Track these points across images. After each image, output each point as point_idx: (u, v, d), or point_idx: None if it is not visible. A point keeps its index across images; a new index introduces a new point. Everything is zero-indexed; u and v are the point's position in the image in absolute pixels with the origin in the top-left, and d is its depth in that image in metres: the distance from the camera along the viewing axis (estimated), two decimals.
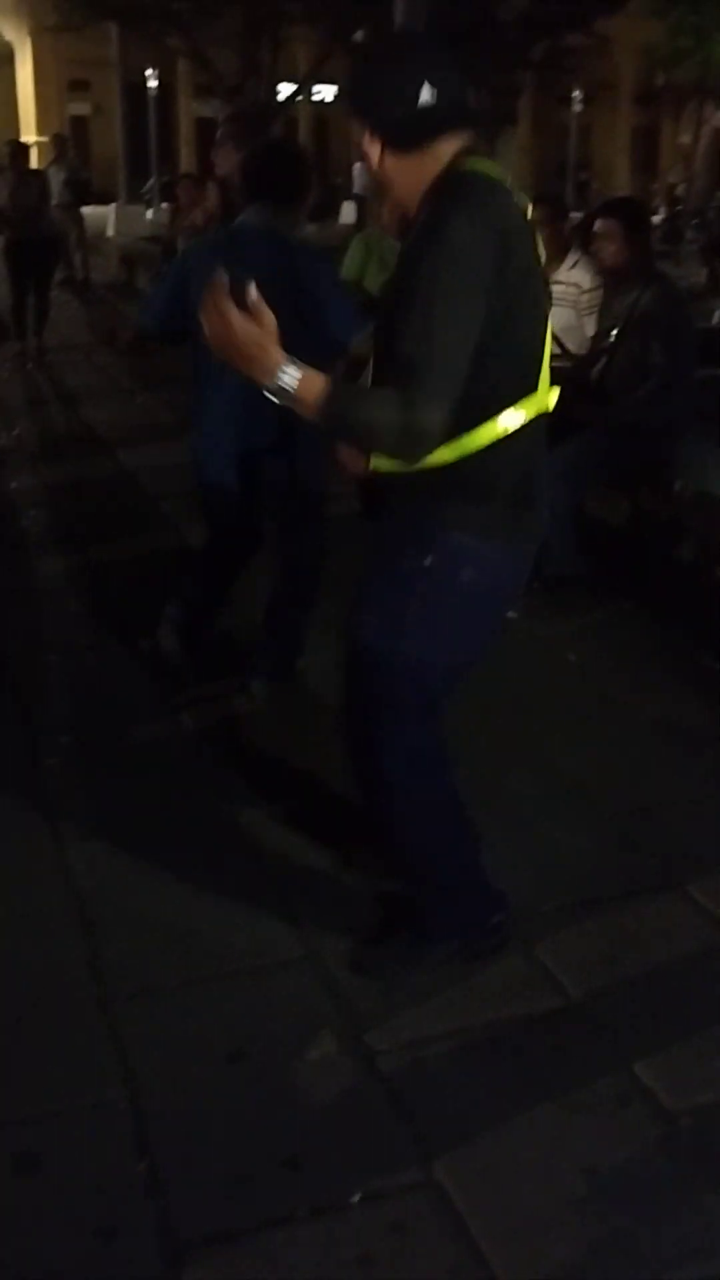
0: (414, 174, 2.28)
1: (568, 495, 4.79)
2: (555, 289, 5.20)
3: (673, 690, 4.00)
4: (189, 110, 34.26)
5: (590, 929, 2.78)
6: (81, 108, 34.45)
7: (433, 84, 2.23)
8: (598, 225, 4.97)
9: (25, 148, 11.06)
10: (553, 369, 5.03)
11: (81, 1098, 2.27)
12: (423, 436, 2.14)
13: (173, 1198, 2.06)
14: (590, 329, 5.07)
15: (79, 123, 33.49)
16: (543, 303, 2.37)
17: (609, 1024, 2.49)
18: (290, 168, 3.74)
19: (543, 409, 2.35)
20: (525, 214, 2.31)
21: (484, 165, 2.27)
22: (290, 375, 2.12)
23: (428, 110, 2.23)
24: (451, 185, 2.23)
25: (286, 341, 2.15)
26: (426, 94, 2.22)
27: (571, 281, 5.15)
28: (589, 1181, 2.12)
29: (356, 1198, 2.07)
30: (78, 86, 33.76)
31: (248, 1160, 2.14)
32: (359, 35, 15.34)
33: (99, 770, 3.43)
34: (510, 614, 4.48)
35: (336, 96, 29.34)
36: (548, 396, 2.36)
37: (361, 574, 2.48)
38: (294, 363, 2.13)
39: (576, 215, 7.75)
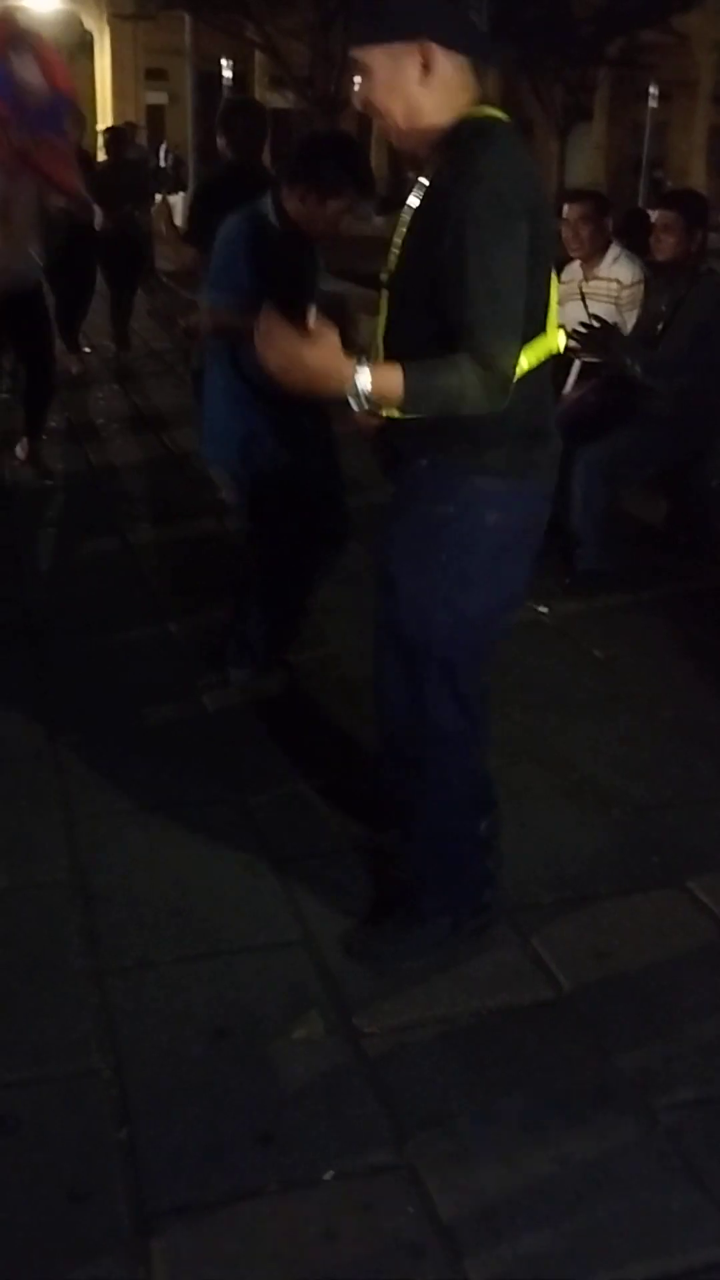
0: (447, 102, 2.23)
1: (604, 492, 4.78)
2: (593, 285, 5.17)
3: (696, 690, 3.97)
4: (263, 101, 34.32)
5: (587, 923, 2.78)
6: (158, 96, 34.71)
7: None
8: (656, 217, 4.93)
9: (122, 133, 10.80)
10: (589, 363, 5.02)
11: (67, 1065, 2.31)
12: (506, 384, 2.16)
13: (147, 1166, 2.10)
14: (630, 325, 5.03)
15: (155, 111, 33.78)
16: (553, 245, 2.38)
17: (596, 1017, 2.49)
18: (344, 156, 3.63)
19: (551, 350, 2.35)
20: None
21: (496, 111, 2.27)
22: (364, 380, 2.15)
23: (472, 24, 2.23)
24: (476, 129, 2.22)
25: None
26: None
27: (612, 277, 5.10)
28: (561, 1171, 2.12)
29: (329, 1175, 2.10)
30: (155, 75, 34.01)
31: (224, 1133, 2.17)
32: None
33: (112, 748, 3.48)
34: (541, 609, 4.53)
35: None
36: (555, 338, 2.37)
37: (384, 532, 2.47)
38: (362, 367, 2.16)
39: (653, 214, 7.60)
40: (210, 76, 26.56)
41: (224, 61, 27.44)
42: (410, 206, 2.30)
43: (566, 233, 5.11)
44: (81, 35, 34.82)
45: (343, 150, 3.65)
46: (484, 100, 2.30)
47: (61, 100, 5.72)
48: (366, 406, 2.19)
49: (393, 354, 2.29)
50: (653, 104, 28.76)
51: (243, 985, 2.54)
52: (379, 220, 21.23)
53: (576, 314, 5.12)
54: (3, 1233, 1.96)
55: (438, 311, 2.21)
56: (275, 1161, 2.12)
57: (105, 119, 31.62)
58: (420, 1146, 2.16)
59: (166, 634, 4.27)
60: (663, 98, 29.87)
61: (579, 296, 5.18)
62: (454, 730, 2.50)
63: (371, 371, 2.16)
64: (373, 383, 2.15)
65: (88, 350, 9.32)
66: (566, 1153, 2.16)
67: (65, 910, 2.75)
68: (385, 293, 2.36)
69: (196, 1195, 2.05)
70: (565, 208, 5.19)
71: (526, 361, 2.26)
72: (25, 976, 2.54)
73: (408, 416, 2.24)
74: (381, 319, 2.37)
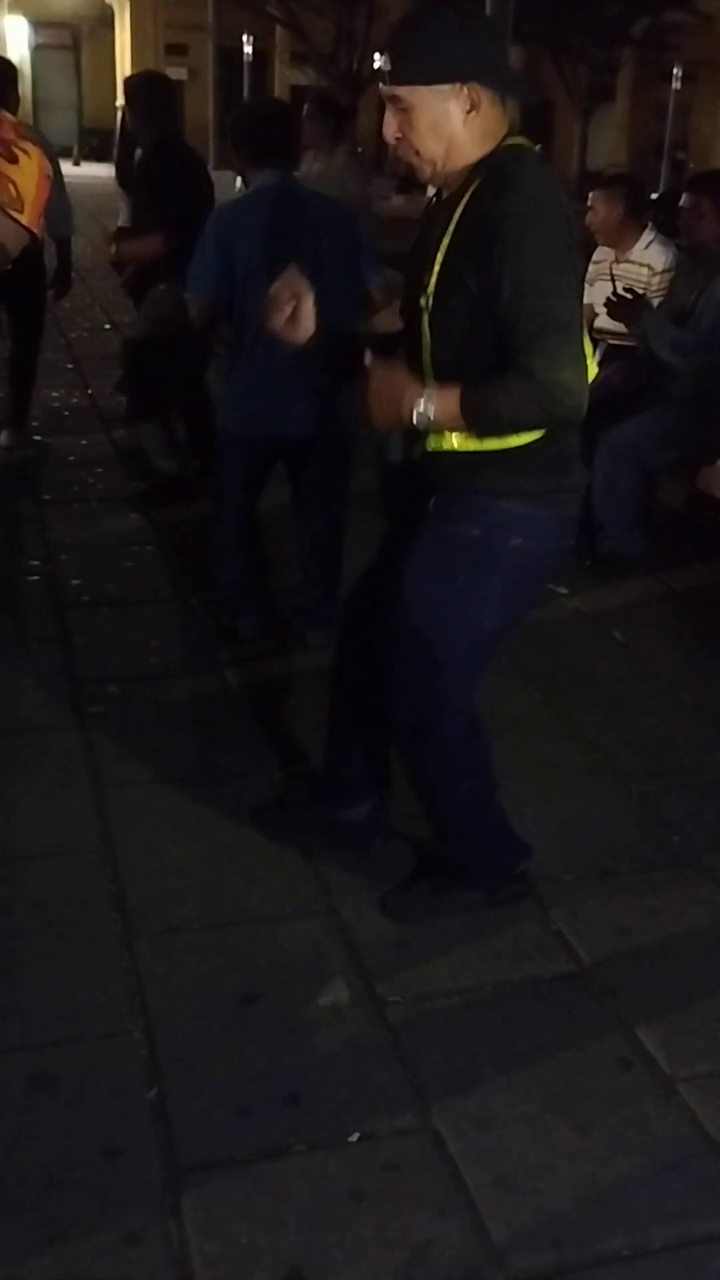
0: (484, 138, 2.27)
1: (628, 475, 4.80)
2: (624, 267, 5.16)
3: (717, 673, 4.01)
4: (284, 78, 34.20)
5: (607, 899, 2.82)
6: (178, 72, 34.49)
7: (473, 32, 2.27)
8: (685, 201, 4.89)
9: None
10: (615, 345, 5.03)
11: (98, 1026, 2.37)
12: (573, 393, 2.20)
13: (177, 1124, 2.15)
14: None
15: (175, 87, 33.63)
16: (579, 262, 2.43)
17: (617, 990, 2.53)
18: (284, 126, 3.78)
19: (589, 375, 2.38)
20: None
21: (524, 140, 2.32)
22: (428, 403, 2.24)
23: (468, 52, 2.24)
24: (510, 156, 2.28)
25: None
26: (466, 39, 2.25)
27: (644, 262, 5.09)
28: (581, 1138, 2.17)
29: (354, 1137, 2.15)
30: (175, 51, 33.86)
31: (252, 1095, 2.22)
32: None
33: (140, 721, 3.53)
34: (561, 590, 4.56)
35: None
36: (591, 361, 2.39)
37: (408, 546, 2.53)
38: (426, 391, 2.25)
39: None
40: (231, 52, 26.48)
41: (245, 37, 27.36)
42: (441, 233, 2.31)
43: (595, 219, 5.10)
44: (102, 9, 34.70)
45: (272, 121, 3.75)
46: (513, 130, 2.33)
47: None
48: (427, 428, 2.28)
49: (446, 380, 2.32)
50: (676, 85, 28.54)
51: (269, 953, 2.60)
52: (399, 200, 21.19)
53: (605, 296, 5.12)
54: (40, 1186, 2.02)
55: (484, 334, 2.26)
56: (302, 1123, 2.17)
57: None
58: (443, 1111, 2.21)
59: (190, 608, 4.32)
60: (686, 79, 29.63)
61: (609, 277, 5.18)
62: (452, 735, 2.57)
63: (435, 397, 2.24)
64: (435, 408, 2.25)
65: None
66: (586, 1120, 2.21)
67: (95, 878, 2.80)
68: (425, 320, 2.37)
69: (225, 1153, 2.11)
70: (591, 194, 5.18)
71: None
72: (57, 941, 2.59)
73: (471, 439, 2.30)
74: (426, 347, 2.38)
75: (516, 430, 2.29)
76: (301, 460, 3.90)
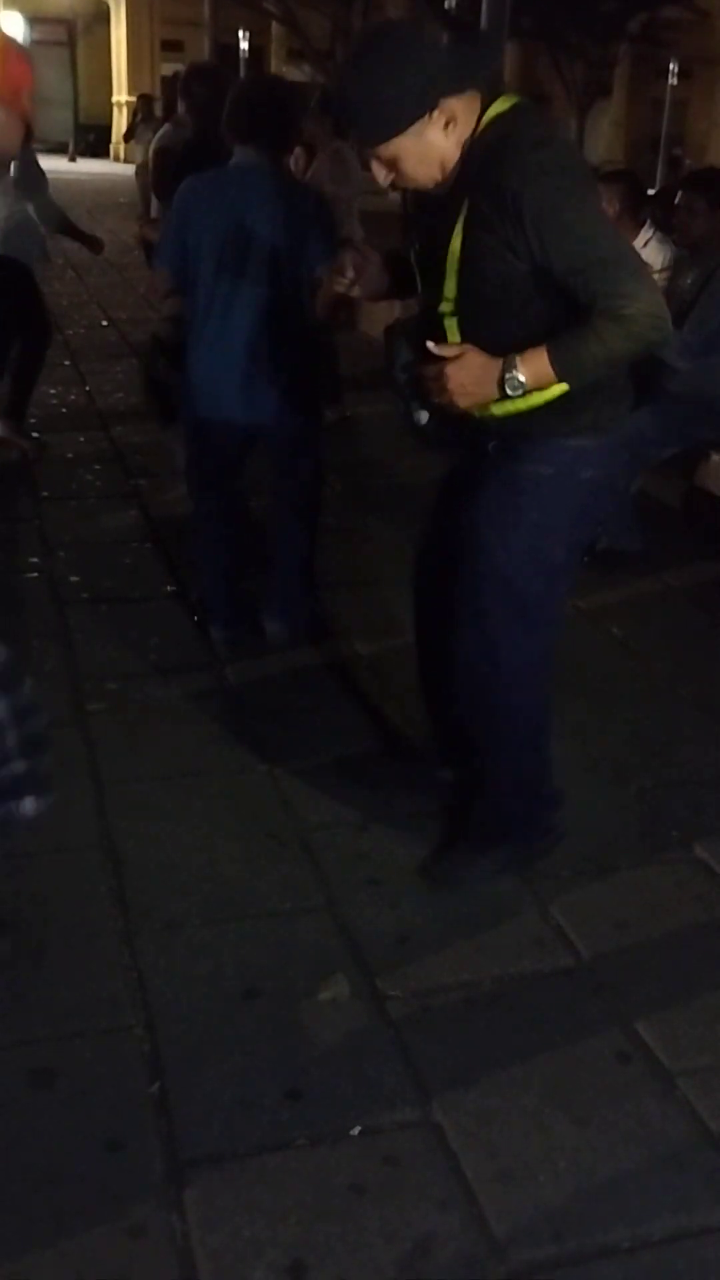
0: (468, 129, 2.28)
1: (625, 471, 4.80)
2: None
3: (714, 669, 4.02)
4: (280, 74, 34.21)
5: (606, 894, 2.83)
6: (174, 68, 34.53)
7: (416, 60, 2.21)
8: (681, 199, 4.89)
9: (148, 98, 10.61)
10: None
11: (100, 1021, 2.37)
12: (661, 315, 2.27)
13: (179, 1118, 2.16)
14: None
15: (170, 83, 33.60)
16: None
17: (616, 984, 2.54)
18: (276, 107, 3.67)
19: None
20: None
21: (506, 100, 2.30)
22: (518, 374, 2.27)
23: (423, 82, 2.21)
24: (498, 130, 2.27)
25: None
26: (414, 72, 2.21)
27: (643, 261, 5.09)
28: (581, 1132, 2.18)
29: (356, 1130, 2.16)
30: (170, 47, 33.84)
31: (253, 1089, 2.23)
32: (450, 1, 15.23)
33: (140, 717, 3.53)
34: None
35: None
36: None
37: (470, 498, 2.57)
38: (512, 362, 2.26)
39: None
40: (227, 49, 26.45)
41: (241, 33, 27.33)
42: (449, 232, 2.32)
43: None
44: (97, 5, 34.66)
45: (264, 101, 3.68)
46: (495, 94, 2.31)
47: None
48: (521, 393, 2.30)
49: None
50: (673, 81, 28.57)
51: (270, 948, 2.60)
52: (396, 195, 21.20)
53: None
54: (43, 1181, 2.03)
55: (523, 300, 2.30)
56: (303, 1117, 2.18)
57: (120, 91, 31.54)
58: (444, 1105, 2.22)
59: (189, 605, 4.32)
60: (683, 75, 29.66)
61: None
62: (529, 677, 2.67)
63: (524, 365, 2.26)
64: (527, 375, 2.27)
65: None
66: (586, 1114, 2.22)
67: (95, 874, 2.81)
68: (452, 323, 2.40)
69: (227, 1147, 2.11)
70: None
71: None
72: (57, 937, 2.60)
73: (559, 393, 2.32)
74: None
75: (612, 369, 2.34)
76: (269, 448, 3.86)
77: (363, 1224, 1.98)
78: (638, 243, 5.11)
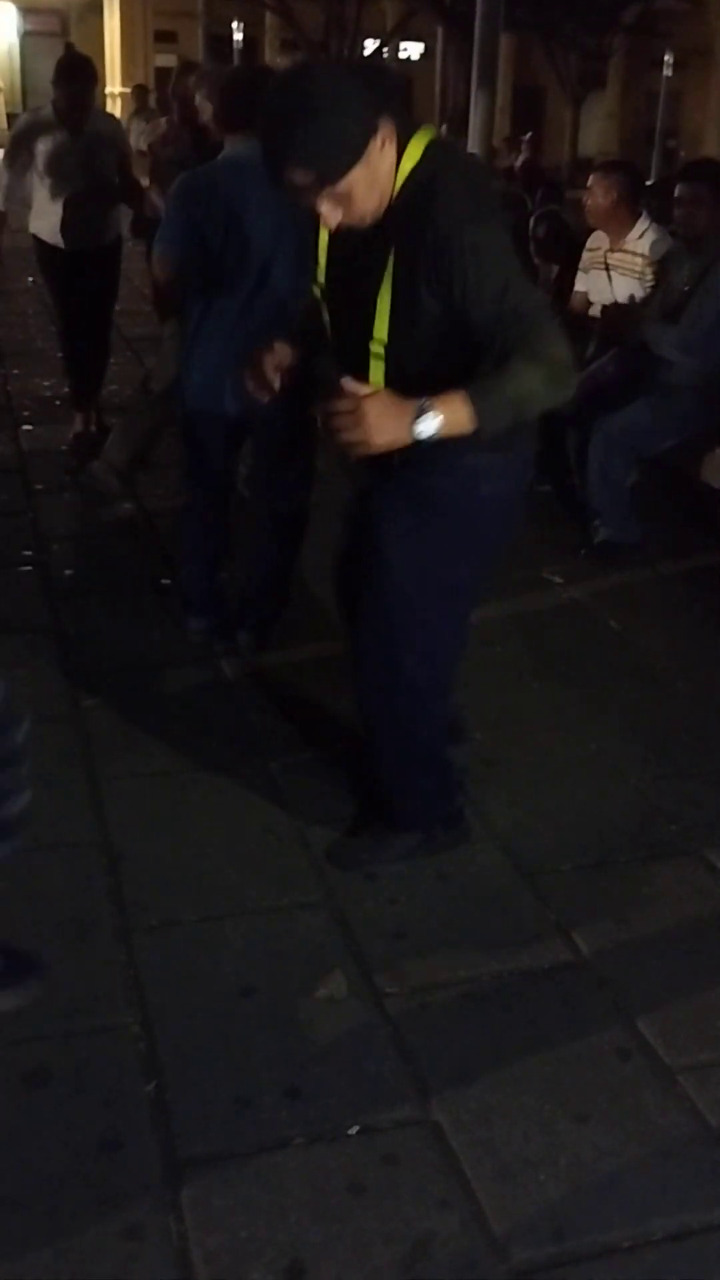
0: (392, 154, 2.24)
1: (622, 463, 4.79)
2: (618, 256, 5.13)
3: (712, 662, 4.00)
4: (274, 65, 34.06)
5: (605, 889, 2.82)
6: (167, 59, 34.38)
7: (348, 85, 2.17)
8: (683, 190, 4.81)
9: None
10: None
11: (96, 1020, 2.36)
12: (570, 367, 2.26)
13: (176, 1117, 2.14)
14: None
15: (164, 74, 33.44)
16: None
17: (615, 980, 2.53)
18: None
19: None
20: None
21: (421, 137, 2.27)
22: (431, 418, 2.16)
23: (361, 103, 2.17)
24: (425, 169, 2.25)
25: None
26: (352, 96, 2.16)
27: (638, 252, 5.05)
28: (581, 1129, 2.17)
29: (354, 1129, 2.14)
30: (164, 38, 33.70)
31: (251, 1087, 2.21)
32: None
33: (135, 713, 3.51)
34: (556, 579, 4.55)
35: (421, 56, 29.02)
36: None
37: (373, 509, 2.58)
38: (424, 406, 2.16)
39: None
40: (221, 39, 26.34)
41: (235, 24, 27.21)
42: (380, 269, 2.29)
43: (591, 201, 5.08)
44: None
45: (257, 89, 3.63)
46: (408, 129, 2.27)
47: None
48: (436, 438, 2.19)
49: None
50: (667, 72, 28.47)
51: (267, 945, 2.59)
52: None
53: (600, 284, 5.08)
54: (38, 1181, 2.01)
55: (450, 345, 2.29)
56: (301, 1115, 2.16)
57: (114, 82, 31.38)
58: (443, 1103, 2.21)
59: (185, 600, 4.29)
60: (678, 66, 29.55)
61: (603, 266, 5.15)
62: (428, 685, 2.67)
63: (438, 409, 2.16)
64: (441, 419, 2.16)
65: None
66: (586, 1110, 2.21)
67: (91, 871, 2.79)
68: (380, 362, 2.37)
69: (225, 1146, 2.10)
70: (591, 178, 5.14)
71: None
72: (53, 934, 2.58)
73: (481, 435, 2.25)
74: (378, 384, 2.33)
75: (522, 418, 2.29)
76: (261, 445, 3.83)
77: (361, 1224, 1.96)
78: (634, 234, 5.09)
